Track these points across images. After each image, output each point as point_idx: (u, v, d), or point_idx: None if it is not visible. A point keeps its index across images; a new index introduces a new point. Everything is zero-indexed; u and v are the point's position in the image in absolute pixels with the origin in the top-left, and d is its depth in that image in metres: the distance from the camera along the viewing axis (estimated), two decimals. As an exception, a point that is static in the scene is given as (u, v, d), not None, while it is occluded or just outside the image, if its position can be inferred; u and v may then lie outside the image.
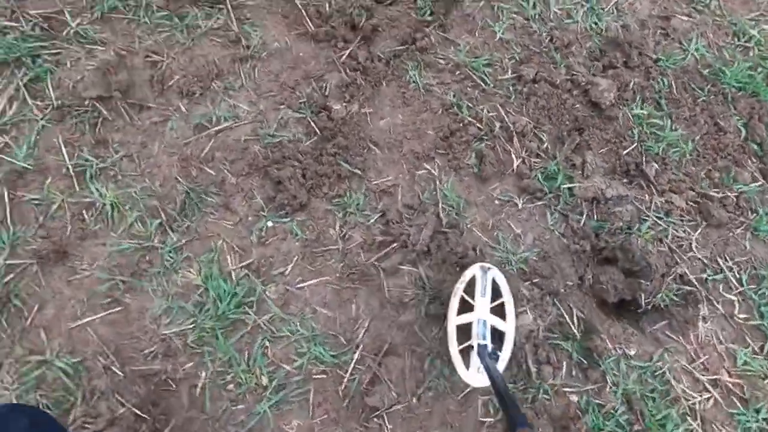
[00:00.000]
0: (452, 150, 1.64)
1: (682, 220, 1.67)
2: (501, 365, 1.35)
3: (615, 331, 1.51)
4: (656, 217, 1.65)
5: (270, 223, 1.48)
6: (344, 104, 1.61)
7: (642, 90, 1.85)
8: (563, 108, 1.77)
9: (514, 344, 1.39)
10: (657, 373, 1.47)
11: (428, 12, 1.81)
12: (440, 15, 1.83)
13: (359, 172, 1.57)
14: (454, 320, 1.38)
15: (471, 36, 1.83)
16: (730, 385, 1.49)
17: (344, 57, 1.70)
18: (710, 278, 1.60)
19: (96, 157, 1.47)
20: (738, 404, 1.47)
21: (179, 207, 1.45)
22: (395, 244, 1.49)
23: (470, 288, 1.43)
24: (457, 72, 1.77)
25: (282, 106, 1.62)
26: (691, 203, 1.71)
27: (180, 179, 1.48)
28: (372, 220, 1.52)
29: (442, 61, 1.77)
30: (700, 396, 1.46)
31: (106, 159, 1.47)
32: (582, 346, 1.48)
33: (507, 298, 1.44)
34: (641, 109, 1.81)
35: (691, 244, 1.64)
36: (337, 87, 1.65)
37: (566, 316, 1.49)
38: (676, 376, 1.48)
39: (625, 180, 1.74)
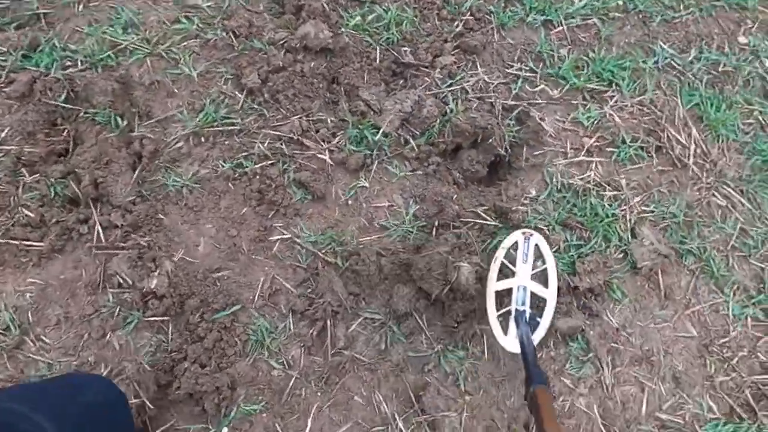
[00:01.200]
0: (276, 204, 1.57)
1: (462, 71, 1.81)
2: (540, 332, 1.45)
3: (512, 192, 1.67)
4: (447, 88, 1.76)
5: (225, 429, 1.32)
6: (156, 272, 1.41)
7: (336, 2, 1.84)
8: (307, 79, 1.73)
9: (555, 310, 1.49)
10: (558, 187, 1.68)
11: (116, 124, 1.57)
12: (131, 119, 1.59)
13: (236, 306, 1.43)
14: (493, 286, 1.47)
15: (174, 98, 1.64)
16: (596, 143, 1.76)
17: (101, 233, 1.44)
18: (516, 88, 1.79)
19: None
20: (611, 148, 1.76)
21: None
22: (328, 321, 1.43)
23: (511, 254, 1.53)
24: (202, 138, 1.61)
25: (110, 336, 1.36)
26: (453, 52, 1.85)
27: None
28: (291, 327, 1.44)
29: (180, 145, 1.60)
30: (591, 171, 1.71)
31: None
32: (507, 228, 1.61)
33: (550, 264, 1.53)
34: (351, 18, 1.82)
35: (483, 80, 1.80)
36: (131, 267, 1.43)
37: (478, 220, 1.60)
38: (569, 174, 1.70)
39: (401, 82, 1.81)
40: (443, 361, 1.46)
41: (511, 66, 1.87)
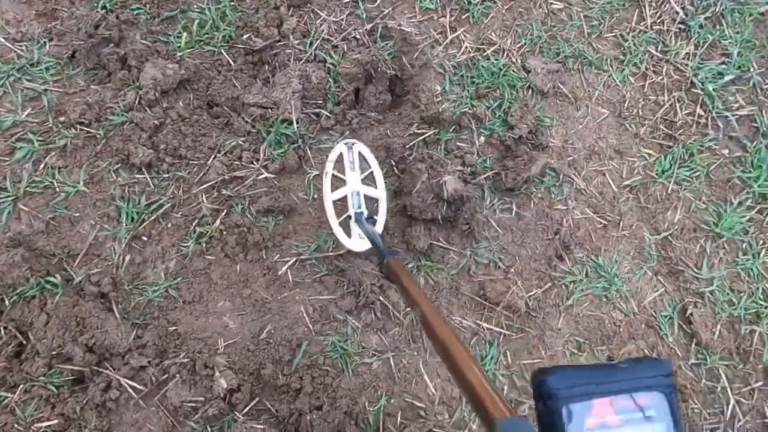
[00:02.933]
0: (260, 243, 1.59)
1: (310, 25, 1.82)
2: (379, 227, 1.63)
3: (424, 97, 1.82)
4: (312, 48, 1.78)
5: (374, 435, 1.42)
6: (217, 374, 1.37)
7: (150, 32, 1.71)
8: (190, 120, 1.67)
9: (388, 209, 1.68)
10: (453, 71, 1.85)
11: (52, 286, 1.40)
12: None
13: (302, 345, 1.47)
14: (329, 197, 1.62)
15: (82, 222, 1.48)
16: (451, 18, 1.94)
17: (133, 384, 1.35)
18: (362, 11, 1.88)
19: None
20: (464, 14, 1.95)
21: None
22: (380, 297, 1.54)
23: (339, 165, 1.67)
24: (144, 237, 1.51)
25: None
26: (290, 13, 1.84)
27: None
28: (357, 324, 1.52)
29: (129, 258, 1.48)
30: (464, 42, 1.91)
31: None
32: (446, 130, 1.77)
33: (374, 167, 1.70)
34: (179, 38, 1.73)
35: (332, 22, 1.85)
36: (190, 387, 1.37)
37: (420, 137, 1.74)
38: (451, 56, 1.88)
39: (267, 68, 1.80)
40: (478, 258, 1.67)
41: (356, -4, 1.93)
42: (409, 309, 1.58)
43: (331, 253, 1.59)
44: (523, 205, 1.79)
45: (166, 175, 1.59)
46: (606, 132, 1.94)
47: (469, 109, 1.85)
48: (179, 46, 1.75)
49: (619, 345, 1.67)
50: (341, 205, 1.66)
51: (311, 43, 1.82)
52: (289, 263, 1.58)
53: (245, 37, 1.82)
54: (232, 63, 1.79)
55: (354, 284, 1.56)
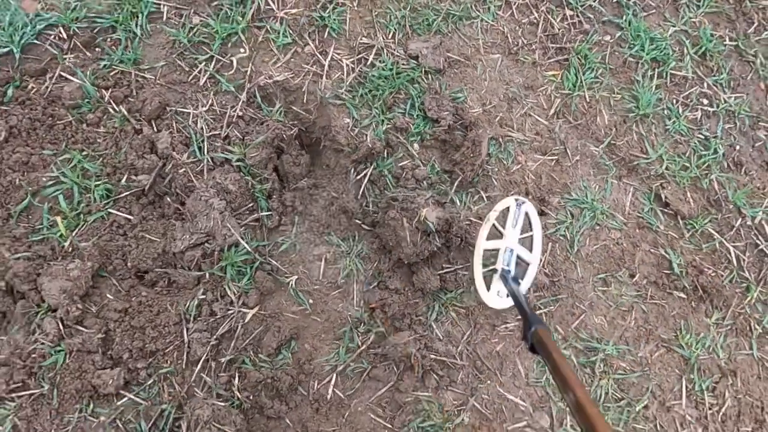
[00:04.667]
0: None
1: (180, 135, 1.58)
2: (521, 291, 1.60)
3: (343, 138, 1.67)
4: (188, 160, 1.56)
5: None
6: None
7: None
8: (133, 304, 1.38)
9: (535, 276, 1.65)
10: (351, 89, 1.72)
11: None
12: None
13: None
14: (482, 245, 1.61)
15: None
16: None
17: None
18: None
19: None
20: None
21: None
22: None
23: (503, 217, 1.67)
24: None
25: None
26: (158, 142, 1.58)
27: None
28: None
29: None
30: (323, 66, 1.76)
31: None
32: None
33: (536, 232, 1.68)
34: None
35: (201, 115, 1.61)
36: None
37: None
38: (335, 85, 1.74)
39: (177, 207, 1.54)
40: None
41: (189, 69, 1.68)
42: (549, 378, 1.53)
43: (363, 347, 1.49)
44: (487, 186, 1.78)
45: (151, 381, 1.35)
46: (509, 74, 1.95)
47: (388, 124, 1.76)
48: (61, 235, 1.44)
49: (631, 259, 1.80)
50: (489, 255, 1.64)
51: (200, 149, 1.59)
52: (332, 382, 1.46)
53: (124, 181, 1.54)
54: (131, 217, 1.51)
55: (402, 361, 1.49)
